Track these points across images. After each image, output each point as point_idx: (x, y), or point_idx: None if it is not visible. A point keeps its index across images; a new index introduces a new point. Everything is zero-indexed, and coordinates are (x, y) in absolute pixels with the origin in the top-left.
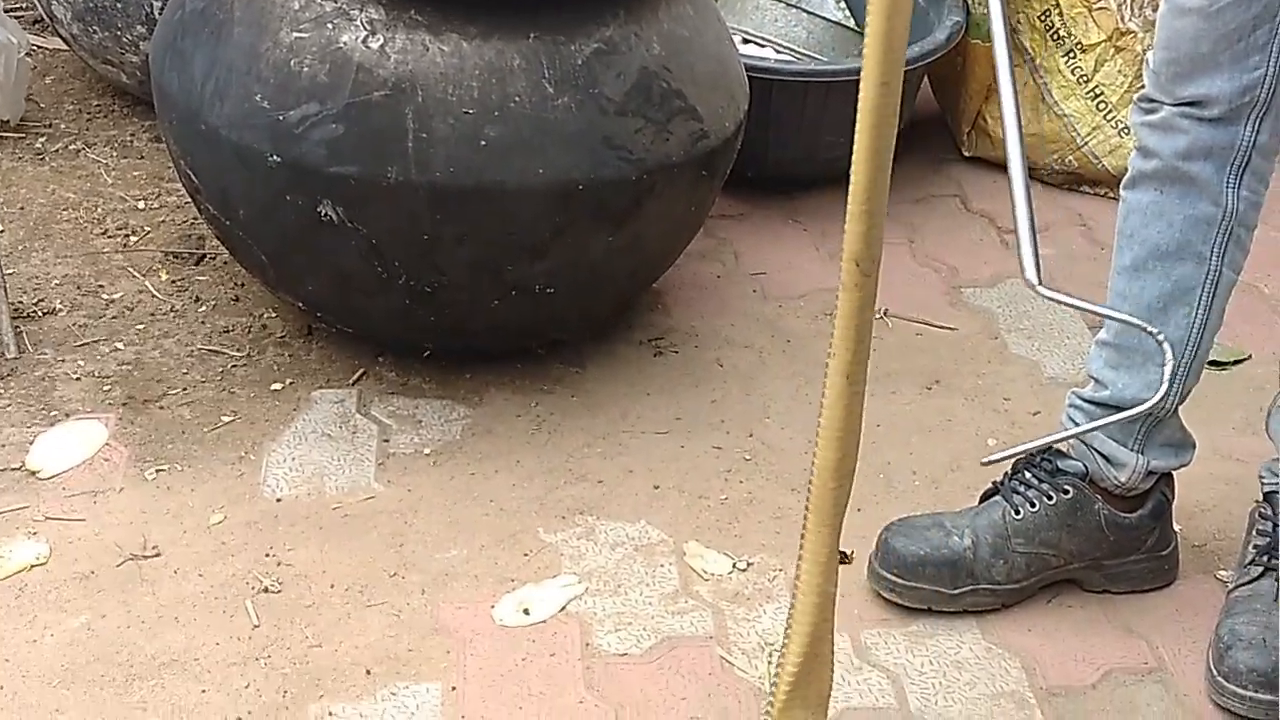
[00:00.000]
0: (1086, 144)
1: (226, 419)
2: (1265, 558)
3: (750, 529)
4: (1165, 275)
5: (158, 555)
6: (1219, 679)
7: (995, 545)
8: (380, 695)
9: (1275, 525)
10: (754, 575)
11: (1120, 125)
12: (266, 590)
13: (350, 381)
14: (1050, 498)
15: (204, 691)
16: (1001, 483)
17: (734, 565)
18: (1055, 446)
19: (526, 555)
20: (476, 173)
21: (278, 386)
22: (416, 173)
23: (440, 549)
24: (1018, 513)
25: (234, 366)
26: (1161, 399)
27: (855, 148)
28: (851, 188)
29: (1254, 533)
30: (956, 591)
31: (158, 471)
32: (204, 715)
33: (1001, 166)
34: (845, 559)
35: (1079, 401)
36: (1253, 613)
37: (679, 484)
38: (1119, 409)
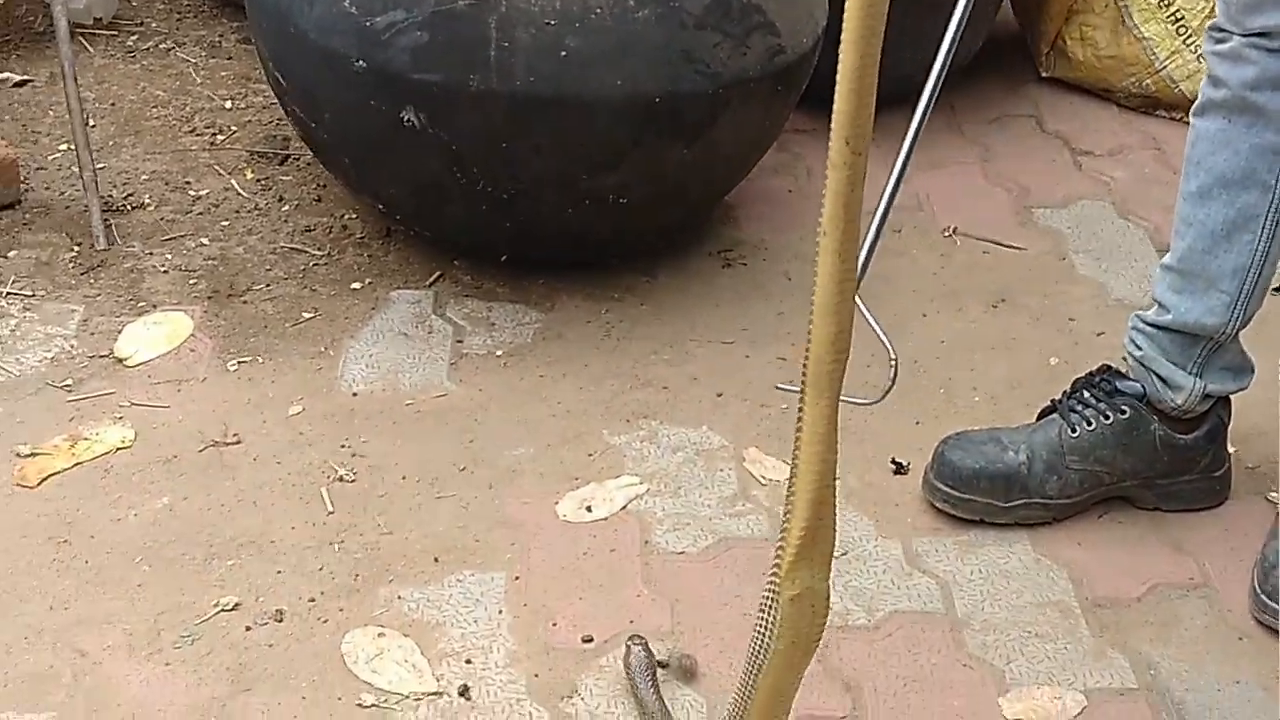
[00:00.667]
0: (1165, 68)
1: (307, 315)
2: None
3: None
4: (1230, 203)
5: (238, 443)
6: (1262, 596)
7: (1050, 461)
8: (447, 582)
9: None
10: None
11: (1198, 50)
12: (341, 480)
13: (427, 283)
14: (1107, 417)
15: (279, 572)
16: (1060, 401)
17: None
18: (1114, 367)
19: (590, 456)
20: (556, 83)
21: (357, 286)
22: (497, 81)
23: (508, 446)
24: (1074, 430)
25: (315, 265)
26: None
27: (845, 28)
28: (841, 67)
29: None
30: (1009, 505)
31: (240, 363)
32: (279, 594)
33: (1079, 88)
34: (901, 469)
35: (1141, 325)
36: None
37: (741, 392)
38: (1181, 333)
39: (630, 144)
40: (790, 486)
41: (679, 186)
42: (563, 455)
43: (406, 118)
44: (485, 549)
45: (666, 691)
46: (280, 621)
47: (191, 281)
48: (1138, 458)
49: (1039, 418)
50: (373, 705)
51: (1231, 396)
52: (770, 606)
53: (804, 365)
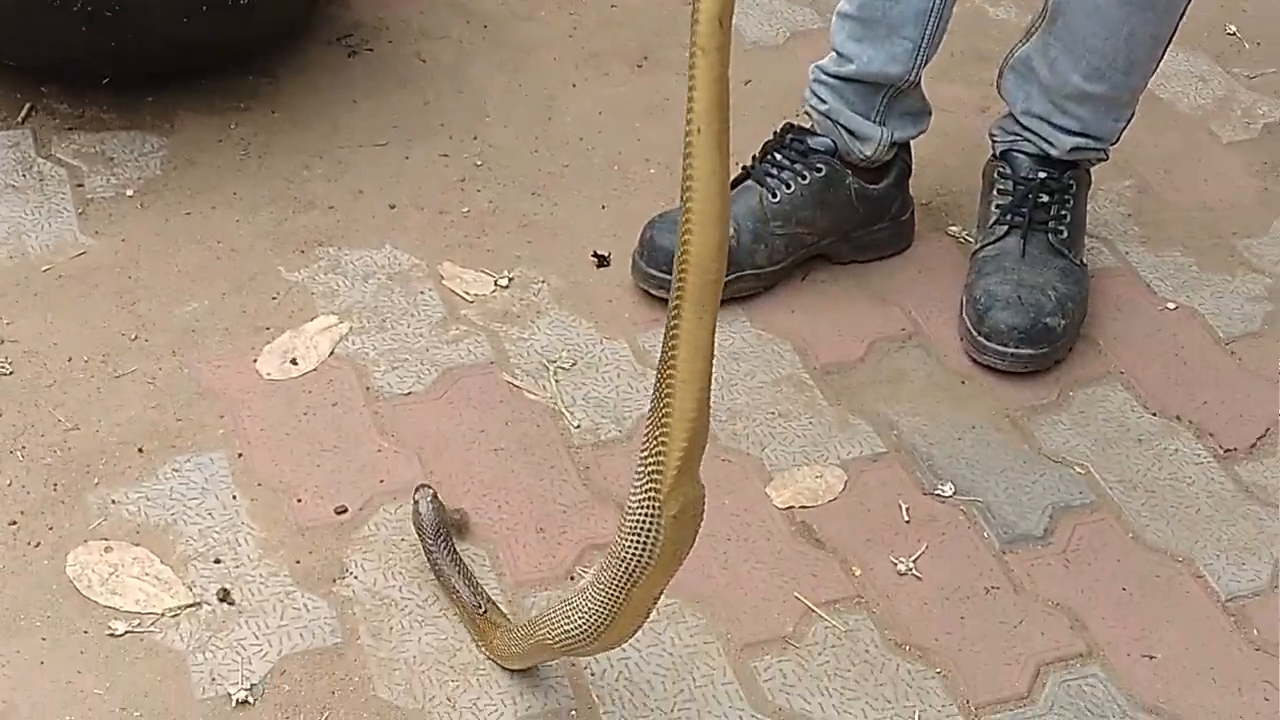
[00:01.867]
0: None
1: None
2: (1009, 216)
3: (501, 242)
4: None
5: None
6: (980, 339)
7: (755, 231)
8: (162, 474)
9: (1015, 183)
10: (518, 291)
11: None
12: None
13: (19, 120)
14: (804, 177)
15: None
16: (751, 168)
17: (495, 283)
18: (797, 125)
19: (275, 299)
20: None
21: None
22: None
23: (177, 303)
24: (774, 196)
25: None
26: (905, 71)
27: None
28: None
29: (995, 192)
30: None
31: None
32: None
33: None
34: (604, 261)
35: (823, 77)
36: (1004, 271)
37: (414, 200)
38: (864, 83)
39: None
40: (664, 402)
41: None
42: (243, 303)
43: None
44: (192, 427)
45: None
46: None
47: None
48: (836, 213)
49: (731, 187)
50: (127, 633)
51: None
52: (648, 527)
53: (678, 276)
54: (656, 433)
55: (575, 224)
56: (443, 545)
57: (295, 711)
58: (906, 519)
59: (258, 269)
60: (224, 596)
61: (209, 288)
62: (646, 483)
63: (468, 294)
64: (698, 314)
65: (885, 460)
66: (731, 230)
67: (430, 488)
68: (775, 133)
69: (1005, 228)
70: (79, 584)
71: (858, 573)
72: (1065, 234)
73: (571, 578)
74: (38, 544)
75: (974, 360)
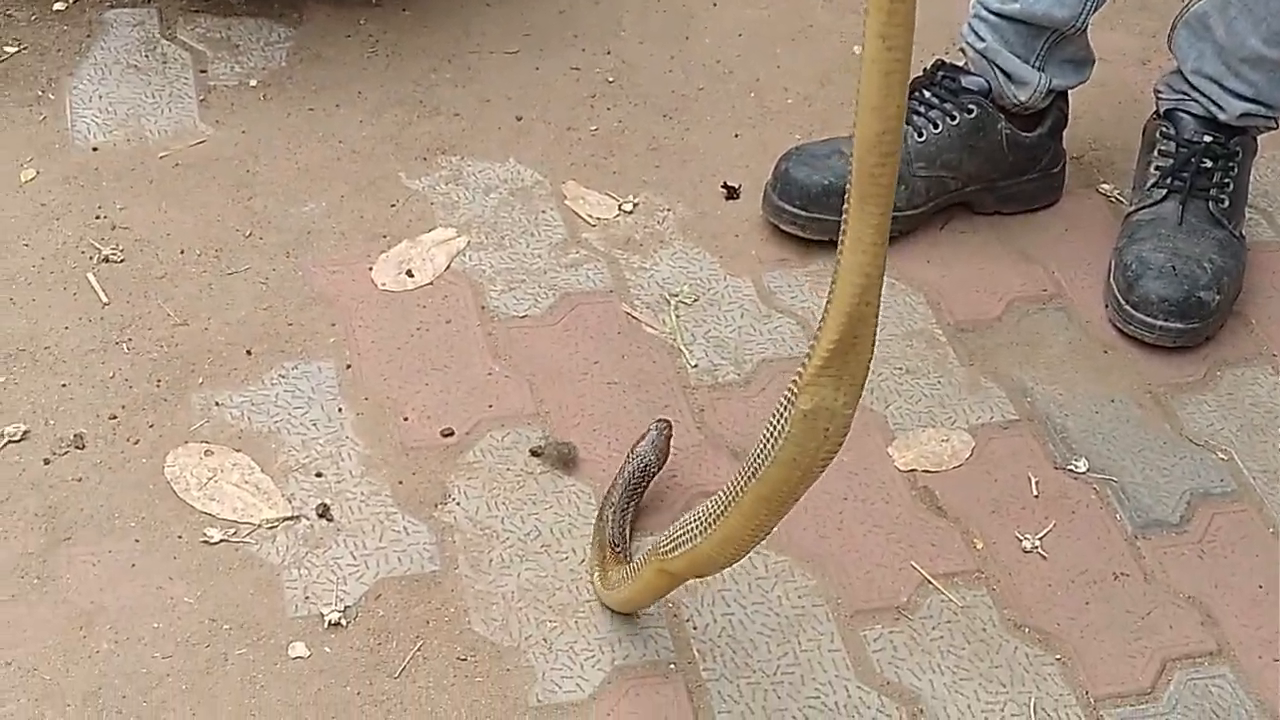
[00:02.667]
0: None
1: (10, 50)
2: (1169, 180)
3: (628, 164)
4: None
5: None
6: (1128, 308)
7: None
8: (268, 379)
9: (1178, 145)
10: (642, 217)
11: None
12: (107, 260)
13: None
14: (953, 118)
15: (64, 385)
16: None
17: (619, 207)
18: (950, 62)
19: (394, 206)
20: None
21: (60, 6)
22: None
23: (294, 202)
24: (920, 135)
25: None
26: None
27: None
28: None
29: (1155, 153)
30: None
31: None
32: (71, 414)
33: None
34: (734, 193)
35: (984, 13)
36: (1158, 238)
37: (542, 113)
38: (1028, 24)
39: None
40: (830, 293)
41: None
42: (361, 208)
43: None
44: (303, 333)
45: (545, 483)
46: (82, 448)
47: None
48: (984, 159)
49: None
50: (222, 541)
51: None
52: (782, 414)
53: (849, 169)
54: (820, 319)
55: (706, 151)
56: (636, 476)
57: (388, 638)
58: (1035, 493)
59: (378, 173)
60: (323, 512)
61: (328, 189)
62: (794, 375)
63: (590, 217)
64: (860, 206)
65: (1016, 429)
66: None
67: (668, 425)
68: (926, 69)
69: (1164, 191)
70: (176, 486)
71: (979, 546)
72: (1227, 203)
73: None
74: (137, 441)
75: (1118, 329)
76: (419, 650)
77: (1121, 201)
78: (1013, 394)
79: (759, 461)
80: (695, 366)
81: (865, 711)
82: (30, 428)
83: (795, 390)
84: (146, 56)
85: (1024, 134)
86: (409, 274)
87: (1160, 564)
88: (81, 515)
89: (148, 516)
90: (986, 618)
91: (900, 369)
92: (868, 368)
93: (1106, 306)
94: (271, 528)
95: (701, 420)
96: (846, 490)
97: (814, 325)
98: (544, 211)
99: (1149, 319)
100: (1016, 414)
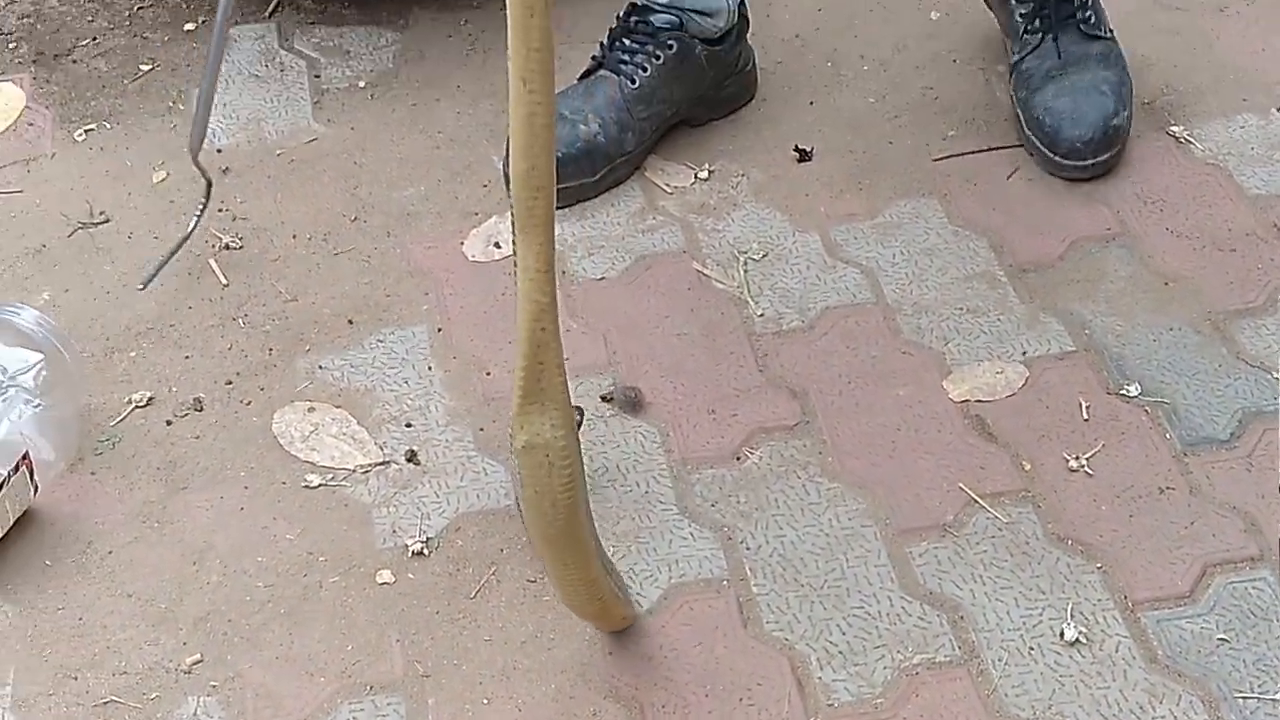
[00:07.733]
0: None
1: (145, 67)
2: (1035, 20)
3: (706, 136)
4: None
5: (107, 222)
6: (1058, 159)
7: (620, 121)
8: (367, 344)
9: None
10: (716, 184)
11: None
12: (228, 248)
13: (267, 14)
14: (658, 57)
15: (187, 357)
16: (602, 58)
17: (695, 176)
18: (643, 4)
19: (486, 187)
20: None
21: (190, 27)
22: None
23: (396, 188)
24: (634, 82)
25: (140, 8)
26: None
27: None
28: None
29: (1013, 2)
30: (598, 176)
31: (87, 131)
32: (192, 381)
33: None
34: (806, 156)
35: None
36: (1053, 81)
37: None
38: None
39: None
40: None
41: None
42: (456, 190)
43: None
44: (399, 303)
45: (614, 424)
46: (200, 410)
47: (11, 46)
48: (689, 83)
49: (582, 78)
50: (320, 485)
51: None
52: (511, 459)
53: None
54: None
55: (781, 119)
56: None
57: (465, 564)
58: (1086, 417)
59: (473, 158)
60: (411, 457)
61: (426, 174)
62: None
63: (668, 185)
64: (521, 237)
65: (1072, 359)
66: (597, 125)
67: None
68: (618, 17)
69: (1039, 35)
70: (281, 440)
71: (1027, 467)
72: (1092, 17)
73: (737, 458)
74: (249, 402)
75: (1051, 174)
76: (493, 574)
77: (1191, 141)
78: (1071, 327)
79: (520, 512)
80: (761, 315)
81: (906, 619)
82: (155, 394)
83: (511, 433)
84: (266, 66)
85: (717, 48)
86: (496, 245)
87: (1207, 478)
88: (197, 468)
89: (255, 467)
90: (1030, 532)
91: (960, 309)
92: (565, 391)
93: (1031, 155)
94: (365, 472)
95: (764, 364)
96: (900, 421)
97: (877, 275)
98: (624, 183)
99: (1081, 163)
100: (1073, 345)
